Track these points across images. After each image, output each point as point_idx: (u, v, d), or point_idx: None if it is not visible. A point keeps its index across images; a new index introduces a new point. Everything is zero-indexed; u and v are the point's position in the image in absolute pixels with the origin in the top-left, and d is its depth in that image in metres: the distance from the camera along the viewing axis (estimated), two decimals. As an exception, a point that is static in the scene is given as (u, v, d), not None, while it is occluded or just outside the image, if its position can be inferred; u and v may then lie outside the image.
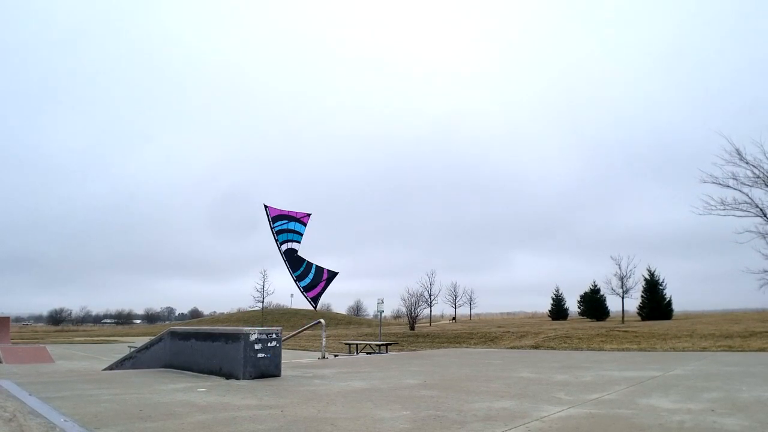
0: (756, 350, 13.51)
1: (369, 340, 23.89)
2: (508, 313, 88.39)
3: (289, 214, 16.79)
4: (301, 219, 16.91)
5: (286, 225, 16.63)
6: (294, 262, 16.54)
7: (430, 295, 53.49)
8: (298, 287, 16.54)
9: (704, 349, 14.61)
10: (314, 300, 16.57)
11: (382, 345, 19.52)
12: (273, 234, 16.34)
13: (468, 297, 67.32)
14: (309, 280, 16.60)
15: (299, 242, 16.84)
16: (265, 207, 16.33)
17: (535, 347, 18.92)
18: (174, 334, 9.19)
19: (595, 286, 52.14)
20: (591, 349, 16.64)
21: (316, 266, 16.68)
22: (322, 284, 16.78)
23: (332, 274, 16.97)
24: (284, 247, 16.59)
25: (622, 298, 42.96)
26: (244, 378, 7.21)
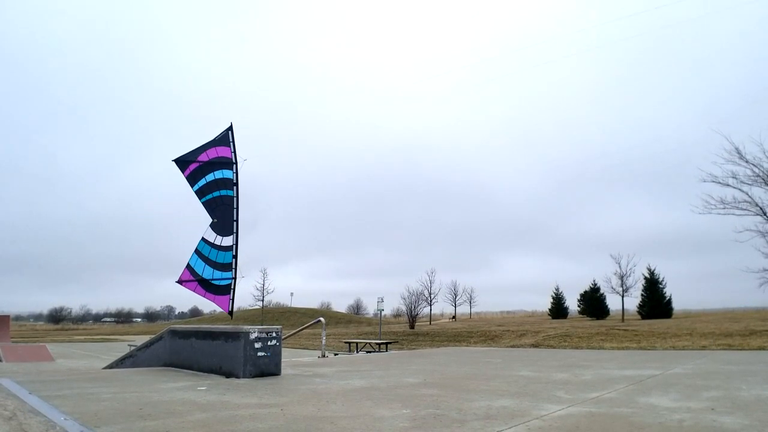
0: (756, 349, 13.52)
1: (369, 339, 23.92)
2: (507, 312, 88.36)
3: (211, 159, 11.83)
4: (224, 161, 11.85)
5: (213, 175, 11.86)
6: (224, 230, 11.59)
7: (430, 294, 53.45)
8: (208, 286, 11.63)
9: (704, 347, 14.62)
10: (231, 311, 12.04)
11: (382, 344, 19.55)
12: (203, 203, 11.80)
13: (468, 296, 67.34)
14: (228, 279, 11.75)
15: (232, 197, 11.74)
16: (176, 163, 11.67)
17: (535, 346, 18.93)
18: (174, 333, 9.19)
19: (595, 284, 52.15)
20: (591, 348, 16.66)
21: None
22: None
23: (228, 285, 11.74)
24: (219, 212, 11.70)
25: (622, 296, 42.93)
26: (244, 377, 7.21)
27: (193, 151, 12.05)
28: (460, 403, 5.06)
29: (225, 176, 12.08)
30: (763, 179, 17.77)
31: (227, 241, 11.87)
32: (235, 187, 12.08)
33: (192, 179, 11.92)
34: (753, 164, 17.84)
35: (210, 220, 11.89)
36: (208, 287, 11.92)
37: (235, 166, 12.17)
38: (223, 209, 11.95)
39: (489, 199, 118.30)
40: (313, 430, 3.87)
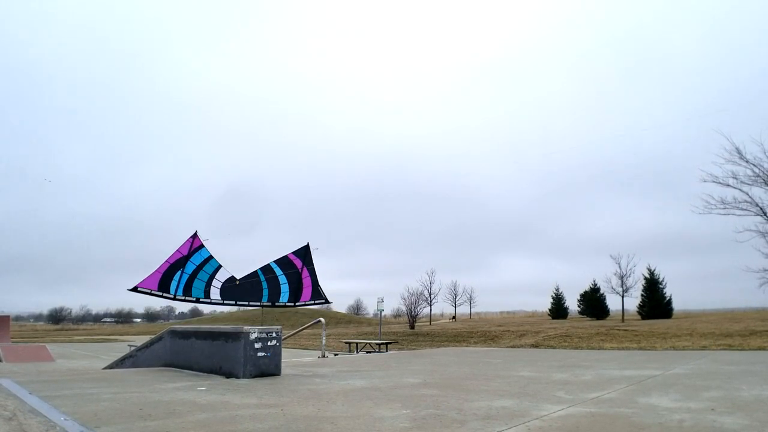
0: (756, 349, 13.53)
1: (369, 339, 23.92)
2: (508, 312, 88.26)
3: (288, 263, 16.78)
4: (291, 270, 16.47)
5: (276, 271, 16.08)
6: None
7: (430, 294, 53.41)
8: (169, 273, 14.97)
9: (704, 347, 14.62)
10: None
11: (382, 344, 19.55)
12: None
13: (468, 296, 67.28)
14: (171, 292, 15.28)
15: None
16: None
17: (535, 346, 18.93)
18: (174, 333, 9.20)
19: (595, 285, 52.10)
20: (591, 348, 16.66)
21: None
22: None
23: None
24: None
25: (622, 297, 42.86)
26: (244, 377, 7.21)
27: (309, 260, 16.30)
28: (460, 404, 5.06)
29: (280, 280, 15.86)
30: (763, 179, 17.76)
31: (215, 294, 14.74)
32: (270, 304, 15.83)
33: (280, 261, 15.78)
34: (753, 164, 17.84)
35: (246, 275, 15.30)
36: (167, 276, 14.57)
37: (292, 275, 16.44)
38: (246, 287, 15.18)
39: (487, 202, 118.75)
40: (313, 430, 3.87)
